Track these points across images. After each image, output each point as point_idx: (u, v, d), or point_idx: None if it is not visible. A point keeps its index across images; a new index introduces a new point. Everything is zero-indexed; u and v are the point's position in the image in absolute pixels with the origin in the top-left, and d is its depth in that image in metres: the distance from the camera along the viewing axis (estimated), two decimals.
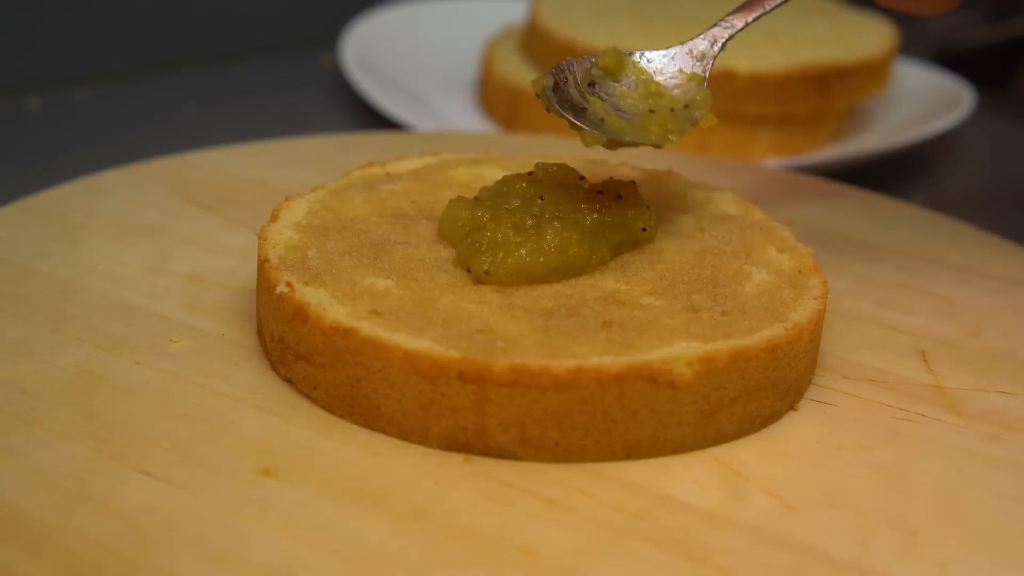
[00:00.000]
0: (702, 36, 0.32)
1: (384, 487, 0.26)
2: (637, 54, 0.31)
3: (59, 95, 0.52)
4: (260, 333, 0.31)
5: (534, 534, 0.25)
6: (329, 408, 0.28)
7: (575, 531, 0.25)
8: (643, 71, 0.31)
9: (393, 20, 0.58)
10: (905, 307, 0.34)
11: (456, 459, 0.27)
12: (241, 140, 0.42)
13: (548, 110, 0.30)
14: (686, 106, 0.31)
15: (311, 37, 0.59)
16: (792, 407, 0.30)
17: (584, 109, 0.30)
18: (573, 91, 0.30)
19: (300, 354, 0.28)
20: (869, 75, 0.50)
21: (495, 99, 0.53)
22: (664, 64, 0.31)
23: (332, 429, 0.27)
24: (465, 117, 0.53)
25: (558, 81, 0.30)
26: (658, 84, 0.31)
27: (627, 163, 0.38)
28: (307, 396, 0.29)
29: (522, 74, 0.52)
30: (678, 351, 0.27)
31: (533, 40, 0.53)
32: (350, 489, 0.26)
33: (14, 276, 0.33)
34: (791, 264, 0.32)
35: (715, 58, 0.32)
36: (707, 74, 0.31)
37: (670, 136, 0.30)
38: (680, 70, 0.31)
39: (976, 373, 0.31)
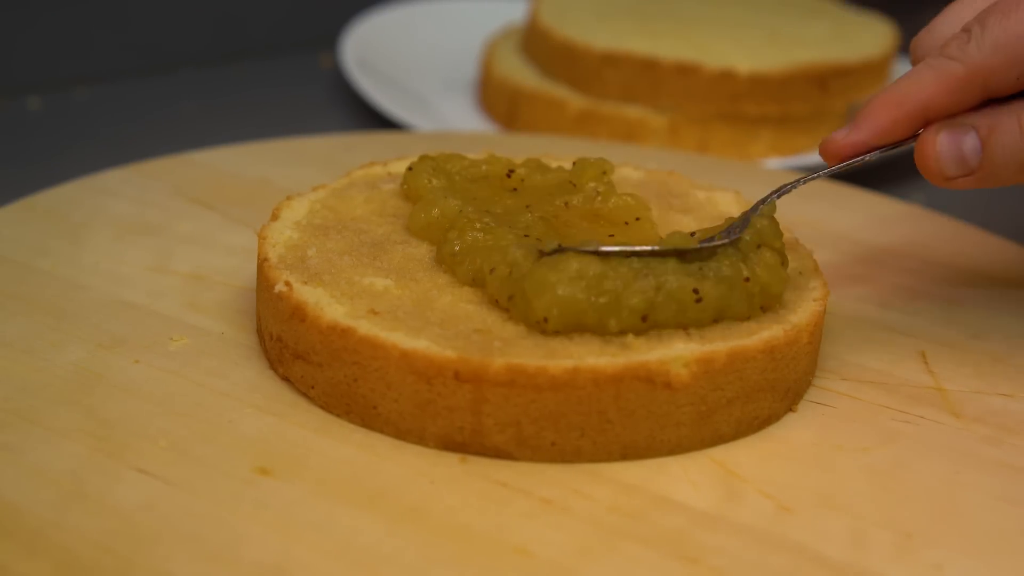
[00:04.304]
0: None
1: (380, 486, 0.26)
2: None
3: (59, 95, 0.52)
4: (259, 332, 0.31)
5: (529, 534, 0.25)
6: (326, 407, 0.28)
7: (570, 531, 0.25)
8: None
9: (393, 20, 0.58)
10: (906, 308, 0.34)
11: (452, 459, 0.27)
12: (241, 140, 0.42)
13: None
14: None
15: (311, 37, 0.59)
16: (791, 408, 0.30)
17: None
18: None
19: (298, 353, 0.28)
20: (869, 75, 0.50)
21: (495, 99, 0.53)
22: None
23: (329, 428, 0.27)
24: (465, 117, 0.53)
25: None
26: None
27: (629, 163, 0.38)
28: (305, 395, 0.29)
29: (522, 74, 0.52)
30: (675, 352, 0.27)
31: (533, 40, 0.52)
32: (346, 488, 0.26)
33: (15, 274, 0.33)
34: (791, 265, 0.32)
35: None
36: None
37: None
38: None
39: (976, 375, 0.31)
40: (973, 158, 0.28)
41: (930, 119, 0.28)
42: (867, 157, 0.29)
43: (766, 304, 0.29)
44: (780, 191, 0.30)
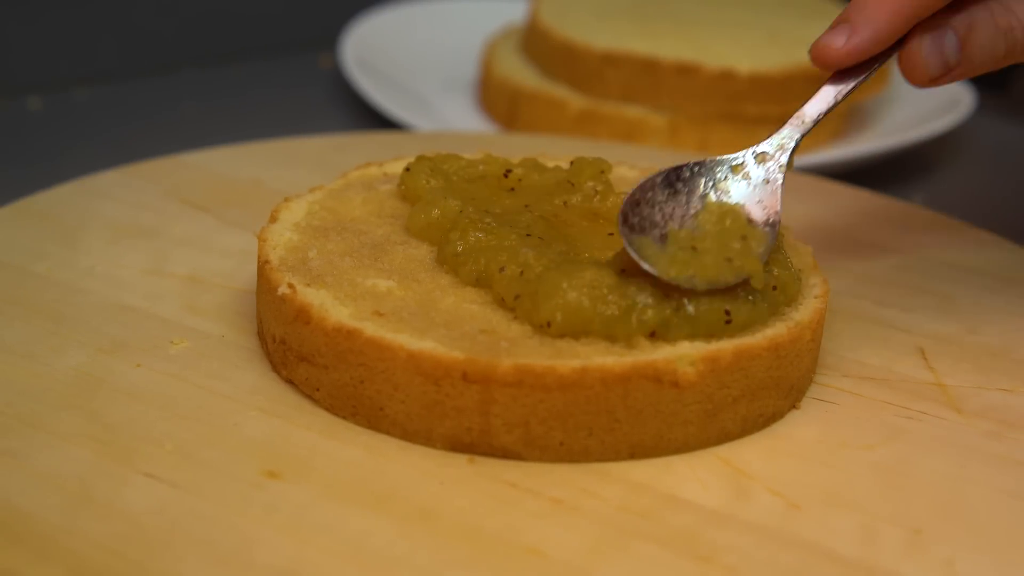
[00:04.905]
0: (773, 136, 0.29)
1: (389, 488, 0.26)
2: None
3: (59, 95, 0.52)
4: (261, 335, 0.31)
5: (540, 534, 0.25)
6: (332, 410, 0.28)
7: (581, 531, 0.25)
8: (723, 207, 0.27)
9: (393, 20, 0.58)
10: (904, 305, 0.34)
11: (460, 460, 0.27)
12: (241, 140, 0.42)
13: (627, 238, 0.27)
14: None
15: (311, 37, 0.59)
16: (794, 406, 0.30)
17: (664, 234, 0.27)
18: (656, 212, 0.28)
19: (302, 355, 0.28)
20: None
21: (495, 99, 0.53)
22: (733, 181, 0.28)
23: (335, 430, 0.27)
24: (465, 117, 0.53)
25: (641, 199, 0.28)
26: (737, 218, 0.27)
27: (624, 162, 0.38)
28: (310, 398, 0.29)
29: (522, 74, 0.52)
30: (682, 350, 0.27)
31: (533, 40, 0.52)
32: (355, 490, 0.26)
33: (12, 279, 0.33)
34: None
35: (784, 167, 0.29)
36: (780, 182, 0.28)
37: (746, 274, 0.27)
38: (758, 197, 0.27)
39: (975, 371, 0.31)
40: (953, 57, 0.29)
41: (920, 19, 0.29)
42: (866, 77, 0.29)
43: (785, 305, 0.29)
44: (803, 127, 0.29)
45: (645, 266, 0.27)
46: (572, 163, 0.33)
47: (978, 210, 0.45)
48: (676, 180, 0.29)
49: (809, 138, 0.51)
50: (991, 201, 0.49)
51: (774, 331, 0.28)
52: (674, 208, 0.29)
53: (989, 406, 0.30)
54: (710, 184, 0.29)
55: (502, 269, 0.28)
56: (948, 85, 0.58)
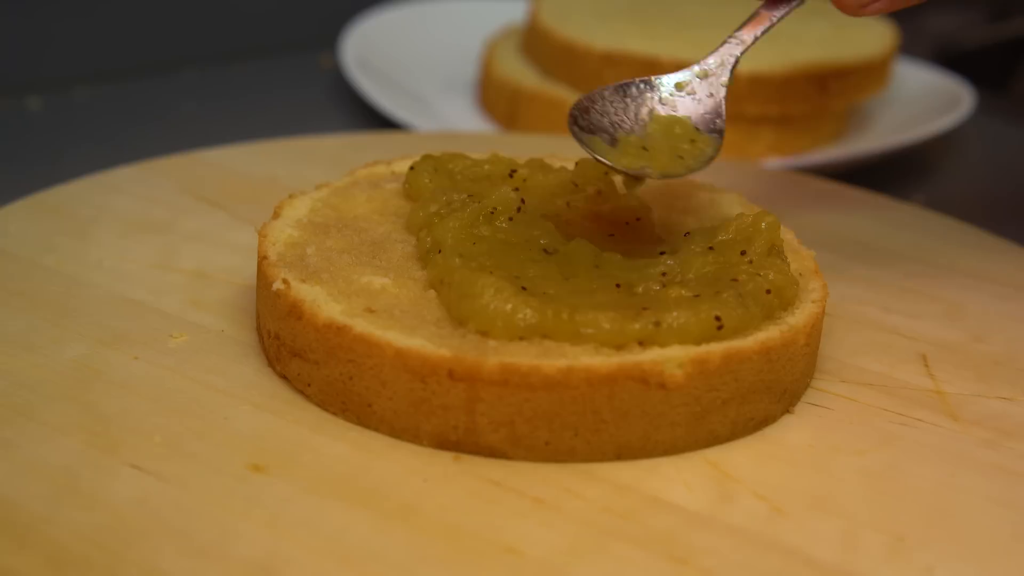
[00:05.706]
0: (713, 55, 0.31)
1: (373, 484, 0.26)
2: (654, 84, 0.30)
3: (59, 95, 0.52)
4: (259, 330, 0.31)
5: (519, 533, 0.25)
6: (322, 405, 0.28)
7: (560, 531, 0.25)
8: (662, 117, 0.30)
9: (393, 20, 0.58)
10: (909, 311, 0.34)
11: (446, 457, 0.27)
12: (241, 140, 0.42)
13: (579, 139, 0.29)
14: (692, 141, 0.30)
15: (311, 37, 0.59)
16: (788, 410, 0.29)
17: (615, 139, 0.29)
18: (604, 119, 0.30)
19: (295, 351, 0.29)
20: (869, 75, 0.50)
21: (495, 99, 0.53)
22: (678, 96, 0.30)
23: (324, 426, 0.28)
24: (465, 117, 0.53)
25: (590, 107, 0.30)
26: (680, 122, 0.30)
27: None
28: (301, 393, 0.29)
29: (522, 74, 0.52)
30: (670, 352, 0.27)
31: (533, 40, 0.52)
32: (338, 486, 0.26)
33: (20, 270, 0.33)
34: (792, 267, 0.31)
35: (726, 83, 0.31)
36: (723, 96, 0.31)
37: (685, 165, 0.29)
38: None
39: (977, 379, 0.31)
40: None
41: None
42: (798, 3, 0.31)
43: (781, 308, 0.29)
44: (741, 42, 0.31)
45: (598, 158, 0.28)
46: (577, 164, 0.33)
47: (978, 210, 0.45)
48: (625, 95, 0.31)
49: (809, 138, 0.52)
50: (991, 201, 0.48)
51: (766, 335, 0.28)
52: (623, 118, 0.30)
53: (987, 414, 0.30)
54: (657, 99, 0.31)
55: (440, 251, 0.28)
56: (946, 83, 0.57)
